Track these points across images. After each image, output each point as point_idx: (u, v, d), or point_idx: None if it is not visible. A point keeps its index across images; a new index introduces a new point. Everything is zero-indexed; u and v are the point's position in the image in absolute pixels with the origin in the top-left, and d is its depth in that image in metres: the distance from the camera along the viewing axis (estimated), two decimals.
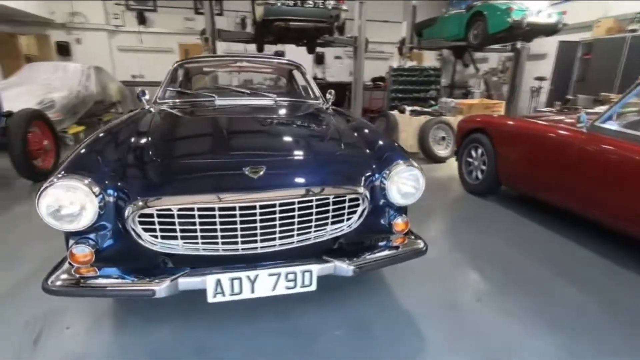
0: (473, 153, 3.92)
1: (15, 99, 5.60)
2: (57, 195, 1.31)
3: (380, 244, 1.74)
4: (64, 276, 1.36)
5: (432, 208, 3.53)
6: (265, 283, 1.43)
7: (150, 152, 1.58)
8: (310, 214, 1.46)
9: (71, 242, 1.39)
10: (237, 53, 10.73)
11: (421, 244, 1.74)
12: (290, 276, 1.45)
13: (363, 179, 1.62)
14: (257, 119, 2.23)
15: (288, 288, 1.46)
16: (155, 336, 1.69)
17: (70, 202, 1.32)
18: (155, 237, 1.37)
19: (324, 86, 12.06)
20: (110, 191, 1.39)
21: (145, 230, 1.36)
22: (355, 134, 2.02)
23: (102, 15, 10.74)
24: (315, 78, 12.49)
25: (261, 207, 1.37)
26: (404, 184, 1.67)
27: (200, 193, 1.36)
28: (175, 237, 1.38)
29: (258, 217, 1.38)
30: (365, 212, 1.58)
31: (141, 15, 10.89)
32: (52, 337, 1.67)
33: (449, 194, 4.03)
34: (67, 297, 1.60)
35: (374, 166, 1.68)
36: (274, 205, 1.38)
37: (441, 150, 5.35)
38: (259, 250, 1.45)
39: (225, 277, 1.38)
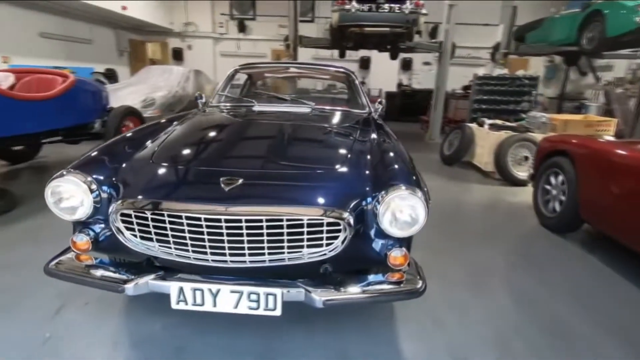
0: (552, 179, 3.29)
1: (127, 96, 6.66)
2: (60, 187, 1.46)
3: (375, 276, 1.55)
4: (59, 259, 1.52)
5: (492, 238, 3.05)
6: (227, 299, 1.38)
7: (152, 155, 1.67)
8: (282, 234, 1.36)
9: (75, 231, 1.54)
10: (322, 59, 11.01)
11: (419, 284, 1.50)
12: (253, 296, 1.37)
13: (351, 201, 1.45)
14: (274, 128, 2.20)
15: (250, 308, 1.38)
16: (146, 327, 1.78)
17: (70, 195, 1.47)
18: (135, 236, 1.43)
19: (409, 93, 11.65)
20: (105, 188, 1.49)
21: (127, 229, 1.43)
22: (369, 152, 1.82)
23: (209, 24, 12.10)
24: (400, 85, 12.10)
25: (227, 220, 1.32)
26: (400, 211, 1.45)
27: (170, 199, 1.38)
28: (152, 239, 1.42)
29: (224, 231, 1.34)
30: (348, 239, 1.41)
31: (241, 24, 11.94)
32: (71, 310, 1.89)
33: (519, 225, 3.43)
34: None
35: (367, 188, 1.49)
36: (240, 220, 1.33)
37: (521, 172, 4.62)
38: (229, 265, 1.40)
39: (187, 287, 1.37)
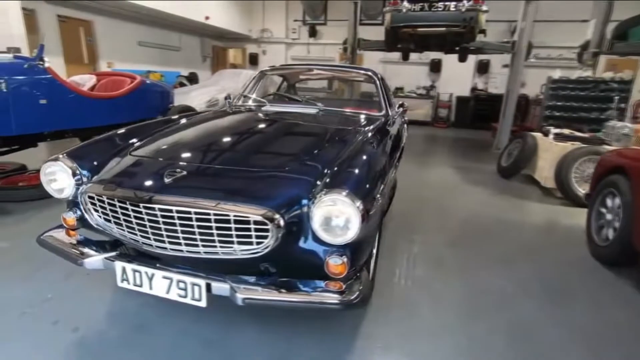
0: (609, 201, 2.75)
1: (197, 96, 7.38)
2: (49, 169, 1.71)
3: (317, 283, 1.49)
4: (52, 233, 1.77)
5: (525, 265, 2.65)
6: (160, 284, 1.46)
7: (132, 148, 1.84)
8: (211, 227, 1.39)
9: (67, 209, 1.78)
10: (390, 62, 10.76)
11: (349, 297, 1.39)
12: (181, 284, 1.43)
13: (287, 202, 1.42)
14: (256, 126, 2.27)
15: (180, 296, 1.44)
16: (132, 301, 1.97)
17: (58, 176, 1.70)
18: (100, 217, 1.60)
19: (483, 98, 10.72)
20: (85, 172, 1.70)
21: (95, 210, 1.61)
22: (340, 156, 1.74)
23: (283, 30, 12.72)
24: (474, 89, 11.22)
25: (161, 210, 1.40)
26: (336, 216, 1.37)
27: (113, 185, 1.51)
28: (110, 221, 1.58)
29: (160, 219, 1.42)
30: (279, 239, 1.38)
31: (312, 29, 12.30)
32: (77, 278, 2.18)
33: (565, 253, 2.90)
34: None
35: (313, 190, 1.44)
36: (171, 210, 1.39)
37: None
38: (170, 252, 1.48)
39: (129, 267, 1.49)
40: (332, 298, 1.40)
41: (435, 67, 11.51)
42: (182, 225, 1.41)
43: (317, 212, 1.37)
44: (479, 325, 1.95)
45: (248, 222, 1.37)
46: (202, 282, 1.40)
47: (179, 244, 1.45)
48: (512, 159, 5.05)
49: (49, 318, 1.84)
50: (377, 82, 3.10)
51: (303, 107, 2.79)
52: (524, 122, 9.60)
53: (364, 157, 1.75)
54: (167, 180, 1.46)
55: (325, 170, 1.55)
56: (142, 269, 1.47)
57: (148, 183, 1.47)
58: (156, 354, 1.64)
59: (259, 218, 1.35)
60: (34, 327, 1.77)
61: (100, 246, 1.69)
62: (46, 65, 3.55)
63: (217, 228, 1.39)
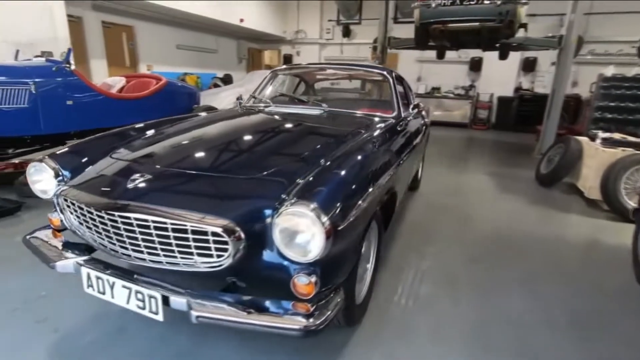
0: None
1: (226, 97, 7.51)
2: (33, 169, 1.71)
3: (283, 303, 1.35)
4: (37, 233, 1.78)
5: (553, 289, 2.34)
6: (121, 293, 1.39)
7: (113, 151, 1.81)
8: (169, 237, 1.30)
9: (53, 209, 1.79)
10: (427, 61, 10.37)
11: (318, 321, 1.24)
12: (139, 296, 1.35)
13: (248, 212, 1.29)
14: (250, 129, 2.18)
15: (139, 307, 1.36)
16: None
17: (42, 177, 1.71)
18: (75, 219, 1.58)
19: (528, 99, 9.95)
20: (66, 173, 1.69)
21: (70, 212, 1.59)
22: (324, 163, 1.59)
23: (317, 31, 12.67)
24: (518, 89, 10.47)
25: (120, 216, 1.33)
26: (301, 232, 1.22)
27: (80, 189, 1.47)
28: (82, 224, 1.54)
29: (121, 226, 1.35)
30: (240, 252, 1.26)
31: (346, 29, 12.12)
32: (73, 275, 2.20)
33: (605, 278, 2.50)
34: None
35: (281, 200, 1.31)
36: (130, 217, 1.32)
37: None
38: (134, 261, 1.42)
39: (93, 274, 1.44)
40: (295, 323, 1.25)
41: (476, 65, 10.87)
42: (141, 233, 1.33)
43: (278, 226, 1.23)
44: None
45: (206, 234, 1.26)
46: (158, 295, 1.31)
47: (142, 252, 1.38)
48: (553, 166, 4.57)
49: (36, 316, 1.85)
50: (390, 82, 2.89)
51: (307, 109, 2.67)
52: (574, 124, 8.75)
53: (351, 164, 1.58)
54: (129, 185, 1.39)
55: (298, 180, 1.41)
56: (105, 276, 1.41)
57: (111, 188, 1.42)
58: None
59: (217, 230, 1.24)
60: (20, 324, 1.80)
61: (81, 249, 1.67)
62: (72, 68, 3.71)
63: (176, 238, 1.30)
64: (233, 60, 12.62)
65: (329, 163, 1.56)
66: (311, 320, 1.27)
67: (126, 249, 1.40)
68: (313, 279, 1.27)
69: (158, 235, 1.31)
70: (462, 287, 2.30)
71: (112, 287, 1.41)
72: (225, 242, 1.25)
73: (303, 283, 1.27)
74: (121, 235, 1.37)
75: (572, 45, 5.93)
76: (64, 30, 6.06)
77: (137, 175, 1.44)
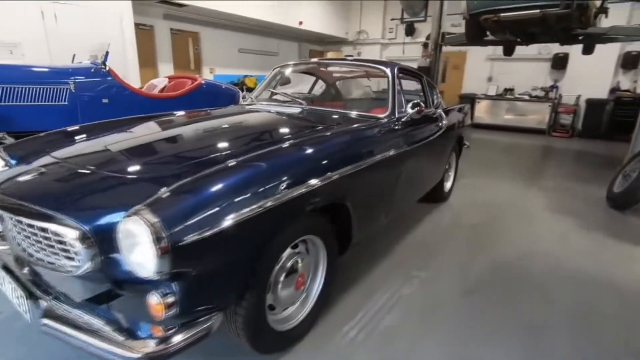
0: None
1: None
2: None
3: (143, 325, 1.20)
4: None
5: (575, 345, 1.82)
6: (8, 287, 1.38)
7: (52, 149, 1.82)
8: (37, 235, 1.24)
9: None
10: (498, 59, 9.39)
11: (148, 350, 1.06)
12: (17, 292, 1.31)
13: (106, 215, 1.17)
14: (207, 129, 2.06)
15: (17, 304, 1.33)
16: None
17: None
18: None
19: (628, 102, 8.29)
20: (14, 163, 1.76)
21: None
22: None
23: (379, 31, 12.26)
24: (614, 89, 8.80)
25: (10, 210, 1.31)
26: (136, 243, 1.06)
27: None
28: None
29: (8, 222, 1.34)
30: (94, 259, 1.15)
31: (410, 27, 11.50)
32: None
33: None
34: None
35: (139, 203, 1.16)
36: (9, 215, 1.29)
37: None
38: (27, 256, 1.39)
39: None
40: (135, 349, 1.09)
41: (560, 63, 9.40)
42: (22, 230, 1.30)
43: (118, 233, 1.08)
44: None
45: (65, 236, 1.17)
46: (24, 293, 1.26)
47: (31, 246, 1.35)
48: (628, 184, 3.65)
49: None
50: (390, 79, 2.54)
51: (286, 107, 2.49)
52: None
53: (255, 166, 1.36)
54: (21, 179, 1.38)
55: (176, 184, 1.22)
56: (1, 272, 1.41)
57: (7, 184, 1.41)
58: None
59: (73, 235, 1.14)
60: None
61: None
62: (107, 68, 4.06)
63: (45, 238, 1.23)
64: None
65: (232, 164, 1.37)
66: (160, 346, 1.10)
67: (19, 244, 1.39)
68: (169, 299, 1.10)
69: (32, 234, 1.27)
70: (435, 325, 1.89)
71: (4, 280, 1.40)
72: (76, 247, 1.15)
73: (153, 302, 1.10)
74: (11, 230, 1.36)
75: None
76: (130, 34, 6.74)
77: (36, 174, 1.42)
